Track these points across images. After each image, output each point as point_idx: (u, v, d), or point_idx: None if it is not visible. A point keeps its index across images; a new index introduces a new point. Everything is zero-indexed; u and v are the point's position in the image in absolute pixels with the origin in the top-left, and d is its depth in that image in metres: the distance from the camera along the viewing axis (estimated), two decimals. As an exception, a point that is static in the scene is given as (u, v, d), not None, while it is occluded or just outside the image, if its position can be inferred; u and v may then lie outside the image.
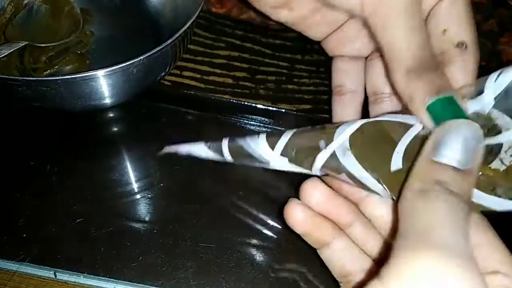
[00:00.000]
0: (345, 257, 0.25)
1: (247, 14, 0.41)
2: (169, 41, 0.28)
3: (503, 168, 0.21)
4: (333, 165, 0.24)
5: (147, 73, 0.30)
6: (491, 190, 0.21)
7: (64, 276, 0.27)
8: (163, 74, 0.32)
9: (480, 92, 0.23)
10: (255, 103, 0.35)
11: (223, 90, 0.35)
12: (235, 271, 0.28)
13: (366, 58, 0.30)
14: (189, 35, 0.31)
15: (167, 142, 0.32)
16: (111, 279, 0.27)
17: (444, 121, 0.21)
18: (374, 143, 0.24)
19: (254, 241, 0.30)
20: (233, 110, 0.36)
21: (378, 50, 0.27)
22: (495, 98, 0.22)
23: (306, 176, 0.26)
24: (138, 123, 0.35)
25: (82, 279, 0.27)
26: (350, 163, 0.24)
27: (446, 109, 0.21)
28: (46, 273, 0.27)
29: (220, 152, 0.27)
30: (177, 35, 0.29)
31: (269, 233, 0.30)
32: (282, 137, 0.25)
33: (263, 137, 0.26)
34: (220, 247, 0.29)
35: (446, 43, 0.25)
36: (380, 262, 0.24)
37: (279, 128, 0.36)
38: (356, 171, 0.24)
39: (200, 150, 0.27)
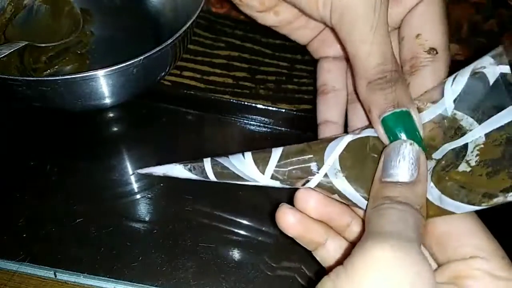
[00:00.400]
0: (339, 257, 0.25)
1: (247, 14, 0.40)
2: (169, 41, 0.28)
3: (469, 169, 0.22)
4: (326, 187, 0.25)
5: (147, 73, 0.30)
6: (457, 194, 0.22)
7: (64, 276, 0.27)
8: (163, 74, 0.32)
9: (441, 96, 0.24)
10: (255, 103, 0.35)
11: (223, 90, 0.35)
12: (235, 271, 0.28)
13: None
14: (189, 35, 0.31)
15: (163, 150, 0.32)
16: (111, 279, 0.27)
17: (395, 133, 0.23)
18: (361, 162, 0.25)
19: (254, 241, 0.30)
20: (233, 110, 0.36)
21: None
22: (454, 101, 0.23)
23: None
24: (138, 123, 0.35)
25: (82, 279, 0.27)
26: (342, 184, 0.25)
27: (399, 123, 0.23)
28: (46, 273, 0.27)
29: (203, 174, 0.27)
30: (177, 35, 0.28)
31: (269, 233, 0.30)
32: (271, 159, 0.25)
33: (249, 158, 0.26)
34: (220, 247, 0.29)
35: (418, 48, 0.26)
36: None
37: (279, 128, 0.36)
38: (348, 192, 0.25)
39: (178, 172, 0.27)
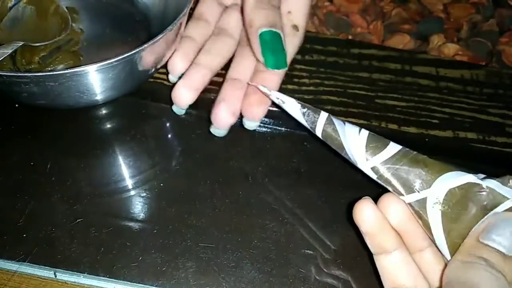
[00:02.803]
0: (401, 270, 0.25)
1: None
2: (158, 37, 0.28)
3: None
4: (418, 209, 0.24)
5: (139, 69, 0.30)
6: None
7: (64, 276, 0.27)
8: (154, 70, 0.32)
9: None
10: (255, 103, 0.35)
11: (223, 90, 0.35)
12: (235, 271, 0.28)
13: None
14: (179, 31, 0.32)
15: (163, 151, 0.32)
16: (111, 279, 0.27)
17: (268, 48, 0.30)
18: (465, 207, 0.23)
19: (255, 241, 0.30)
20: (233, 110, 0.35)
21: None
22: None
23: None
24: (138, 123, 0.35)
25: (82, 279, 0.27)
26: (434, 217, 0.24)
27: (272, 41, 0.29)
28: (46, 273, 0.27)
29: (313, 124, 0.26)
30: (167, 30, 0.29)
31: (269, 233, 0.30)
32: (382, 152, 0.25)
33: (364, 137, 0.25)
34: (220, 247, 0.29)
35: (286, 22, 0.32)
36: None
37: (279, 128, 0.36)
38: (435, 226, 0.24)
39: (292, 109, 0.28)
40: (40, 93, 0.28)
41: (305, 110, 0.27)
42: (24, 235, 0.28)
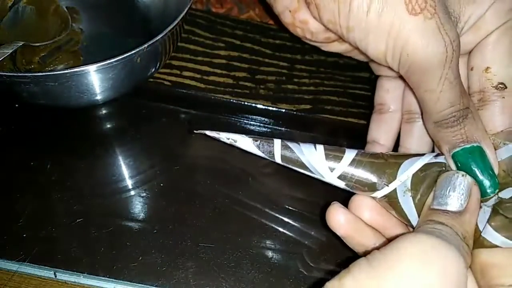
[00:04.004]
0: None
1: (247, 14, 0.41)
2: (158, 37, 0.28)
3: None
4: (390, 201, 0.25)
5: (138, 69, 0.30)
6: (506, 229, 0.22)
7: (64, 276, 0.27)
8: (153, 70, 0.32)
9: None
10: (255, 103, 0.35)
11: (223, 90, 0.35)
12: (235, 271, 0.28)
13: None
14: (180, 30, 0.32)
15: (164, 151, 0.32)
16: (111, 279, 0.27)
17: (468, 169, 0.23)
18: (431, 186, 0.24)
19: (254, 241, 0.30)
20: (233, 110, 0.36)
21: None
22: None
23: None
24: (138, 123, 0.35)
25: (82, 279, 0.27)
26: (408, 204, 0.24)
27: (470, 158, 0.23)
28: (46, 273, 0.27)
29: (270, 153, 0.26)
30: (166, 31, 0.29)
31: (269, 233, 0.30)
32: (343, 159, 0.25)
33: (321, 151, 0.25)
34: (220, 247, 0.29)
35: (486, 82, 0.25)
36: None
37: (279, 128, 0.36)
38: (410, 213, 0.24)
39: (246, 144, 0.27)
40: (40, 93, 0.28)
41: (258, 142, 0.27)
42: (24, 235, 0.28)
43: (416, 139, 0.29)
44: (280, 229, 0.30)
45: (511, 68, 0.25)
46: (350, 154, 0.25)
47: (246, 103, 0.35)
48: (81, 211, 0.30)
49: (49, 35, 0.35)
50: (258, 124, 0.36)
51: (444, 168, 0.24)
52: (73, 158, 0.33)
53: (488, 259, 0.22)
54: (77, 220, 0.29)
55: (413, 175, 0.24)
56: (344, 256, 0.29)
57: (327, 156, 0.25)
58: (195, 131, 0.28)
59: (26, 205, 0.30)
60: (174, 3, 0.35)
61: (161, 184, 0.32)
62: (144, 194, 0.31)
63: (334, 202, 0.26)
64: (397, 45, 0.23)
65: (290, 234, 0.30)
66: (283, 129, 0.36)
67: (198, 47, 0.37)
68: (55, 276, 0.27)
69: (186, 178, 0.32)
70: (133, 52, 0.27)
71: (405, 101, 0.30)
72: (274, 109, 0.35)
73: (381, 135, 0.31)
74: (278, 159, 0.26)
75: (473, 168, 0.23)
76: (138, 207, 0.30)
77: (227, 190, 0.32)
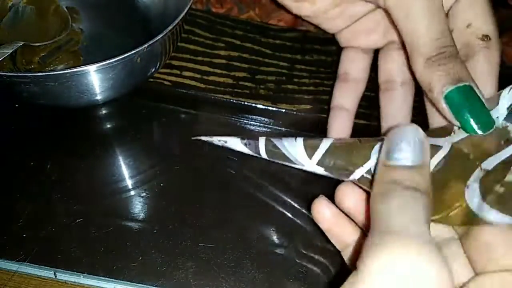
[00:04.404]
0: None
1: (247, 14, 0.41)
2: (158, 37, 0.28)
3: None
4: (368, 181, 0.25)
5: (138, 69, 0.30)
6: (502, 205, 0.21)
7: (64, 276, 0.27)
8: (153, 70, 0.32)
9: (496, 103, 0.23)
10: (255, 103, 0.35)
11: (223, 90, 0.35)
12: (235, 271, 0.28)
13: (377, 50, 0.32)
14: (180, 30, 0.32)
15: (164, 151, 0.32)
16: (111, 279, 0.27)
17: (460, 109, 0.23)
18: None
19: (255, 241, 0.30)
20: (233, 110, 0.36)
21: (400, 39, 0.27)
22: (507, 108, 0.23)
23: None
24: (138, 123, 0.35)
25: (82, 279, 0.27)
26: None
27: (464, 97, 0.23)
28: (46, 273, 0.27)
29: (256, 149, 0.28)
30: (166, 31, 0.29)
31: (269, 233, 0.30)
32: (320, 147, 0.26)
33: (300, 142, 0.27)
34: (220, 247, 0.29)
35: (471, 36, 0.26)
36: None
37: (279, 128, 0.36)
38: None
39: (235, 144, 0.29)
40: (40, 93, 0.28)
41: (245, 141, 0.29)
42: (24, 235, 0.28)
43: (397, 104, 0.30)
44: (281, 229, 0.30)
45: (491, 23, 0.26)
46: (326, 142, 0.26)
47: (246, 103, 0.35)
48: (81, 211, 0.30)
49: (49, 35, 0.35)
50: (258, 124, 0.36)
51: None
52: (73, 158, 0.33)
53: (486, 238, 0.21)
54: (77, 220, 0.29)
55: None
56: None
57: (306, 146, 0.26)
58: (192, 138, 0.30)
59: (26, 205, 0.30)
60: (174, 3, 0.35)
61: (161, 184, 0.32)
62: (144, 194, 0.31)
63: (320, 195, 0.26)
64: None
65: (290, 234, 0.30)
66: (283, 129, 0.36)
67: (198, 47, 0.37)
68: (55, 276, 0.27)
69: (186, 178, 0.32)
70: (133, 52, 0.27)
71: (382, 71, 0.31)
72: (274, 109, 0.35)
73: (346, 100, 0.31)
74: (264, 155, 0.28)
75: (468, 107, 0.23)
76: (138, 207, 0.30)
77: (227, 190, 0.32)
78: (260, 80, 0.36)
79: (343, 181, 0.26)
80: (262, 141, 0.28)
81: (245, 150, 0.29)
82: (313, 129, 0.35)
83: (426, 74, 0.24)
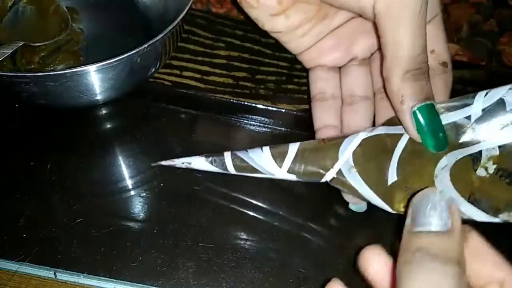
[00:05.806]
0: None
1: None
2: (158, 37, 0.28)
3: (487, 176, 0.23)
4: (339, 182, 0.26)
5: (138, 69, 0.30)
6: (473, 199, 0.22)
7: (64, 276, 0.27)
8: (153, 70, 0.32)
9: (465, 104, 0.25)
10: (255, 103, 0.35)
11: (223, 90, 0.35)
12: (235, 271, 0.28)
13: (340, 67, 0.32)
14: (180, 30, 0.32)
15: (164, 151, 0.32)
16: (111, 279, 0.27)
17: (423, 125, 0.24)
18: (375, 158, 0.25)
19: (255, 241, 0.30)
20: (233, 110, 0.36)
21: (379, 48, 0.28)
22: (482, 110, 0.24)
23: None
24: (138, 123, 0.35)
25: (82, 279, 0.27)
26: (355, 179, 0.26)
27: (428, 115, 0.25)
28: (46, 273, 0.27)
29: (223, 166, 0.28)
30: (166, 31, 0.29)
31: (269, 233, 0.30)
32: (288, 153, 0.26)
33: (267, 152, 0.27)
34: (220, 247, 0.29)
35: (433, 61, 0.28)
36: None
37: (279, 128, 0.36)
38: (360, 187, 0.25)
39: (200, 164, 0.29)
40: (40, 93, 0.28)
41: (210, 158, 0.28)
42: (24, 235, 0.28)
43: (360, 114, 0.30)
44: (280, 229, 0.30)
45: (447, 53, 0.29)
46: (293, 148, 0.26)
47: (246, 103, 0.35)
48: (81, 211, 0.30)
49: (49, 35, 0.35)
50: (258, 124, 0.36)
51: (382, 140, 0.26)
52: (73, 158, 0.33)
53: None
54: (77, 220, 0.29)
55: (354, 152, 0.26)
56: (345, 258, 0.29)
57: (273, 155, 0.27)
58: (152, 164, 0.30)
59: (26, 205, 0.30)
60: (174, 3, 0.35)
61: (161, 184, 0.32)
62: (144, 194, 0.31)
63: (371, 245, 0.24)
64: None
65: (291, 234, 0.30)
66: (283, 129, 0.36)
67: (198, 47, 0.37)
68: (55, 276, 0.27)
69: (186, 178, 0.32)
70: (133, 52, 0.27)
71: (345, 87, 0.31)
72: (274, 109, 0.35)
73: (331, 118, 0.31)
74: (232, 170, 0.28)
75: (432, 125, 0.24)
76: (138, 207, 0.30)
77: (227, 190, 0.32)
78: (260, 80, 0.36)
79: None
80: (227, 156, 0.28)
81: (212, 168, 0.28)
82: (313, 129, 0.35)
83: (402, 86, 0.25)
